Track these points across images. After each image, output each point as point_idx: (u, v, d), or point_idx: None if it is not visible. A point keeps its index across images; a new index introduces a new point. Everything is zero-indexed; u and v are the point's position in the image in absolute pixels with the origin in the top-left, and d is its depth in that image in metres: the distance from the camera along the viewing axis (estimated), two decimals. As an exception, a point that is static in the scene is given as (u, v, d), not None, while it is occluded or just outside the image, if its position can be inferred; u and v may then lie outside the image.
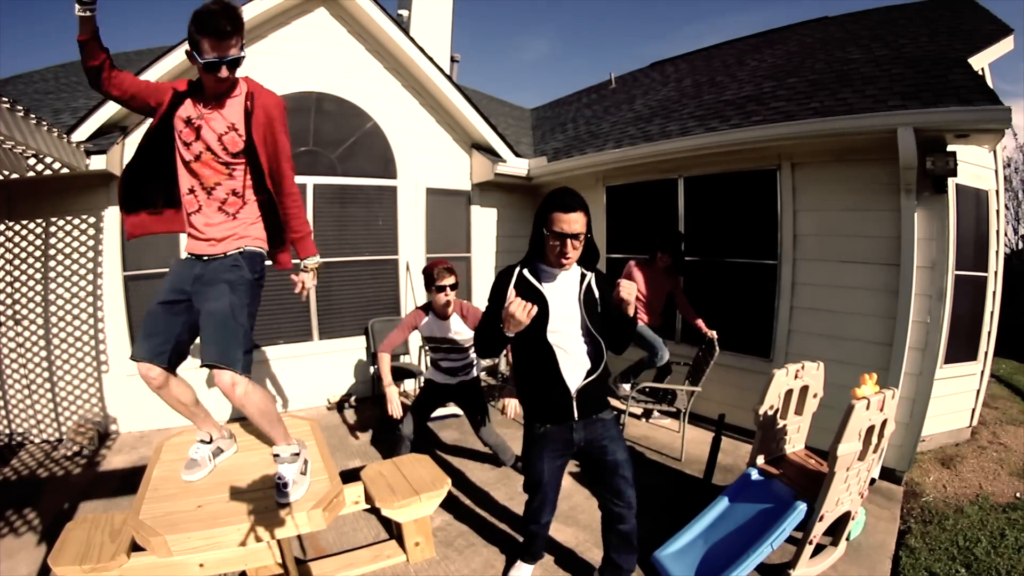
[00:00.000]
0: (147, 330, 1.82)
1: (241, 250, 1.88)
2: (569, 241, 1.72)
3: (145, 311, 1.86)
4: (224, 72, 1.64)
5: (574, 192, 1.75)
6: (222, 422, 2.26)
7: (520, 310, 1.63)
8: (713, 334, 3.70)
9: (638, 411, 4.33)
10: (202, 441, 2.04)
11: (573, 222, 1.70)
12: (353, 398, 4.83)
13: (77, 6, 1.40)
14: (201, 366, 1.68)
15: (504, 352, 4.87)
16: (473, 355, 3.10)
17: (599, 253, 1.90)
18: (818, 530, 2.21)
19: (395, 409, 2.82)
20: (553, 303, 1.80)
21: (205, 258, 1.84)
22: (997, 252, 4.07)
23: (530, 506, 2.09)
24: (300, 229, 2.05)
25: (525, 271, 1.84)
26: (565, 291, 1.84)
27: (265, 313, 4.47)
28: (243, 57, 1.66)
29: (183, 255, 1.90)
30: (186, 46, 1.64)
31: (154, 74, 3.80)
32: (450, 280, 2.89)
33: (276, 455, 1.84)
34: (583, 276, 1.86)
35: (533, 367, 1.86)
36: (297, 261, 2.11)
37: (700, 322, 3.84)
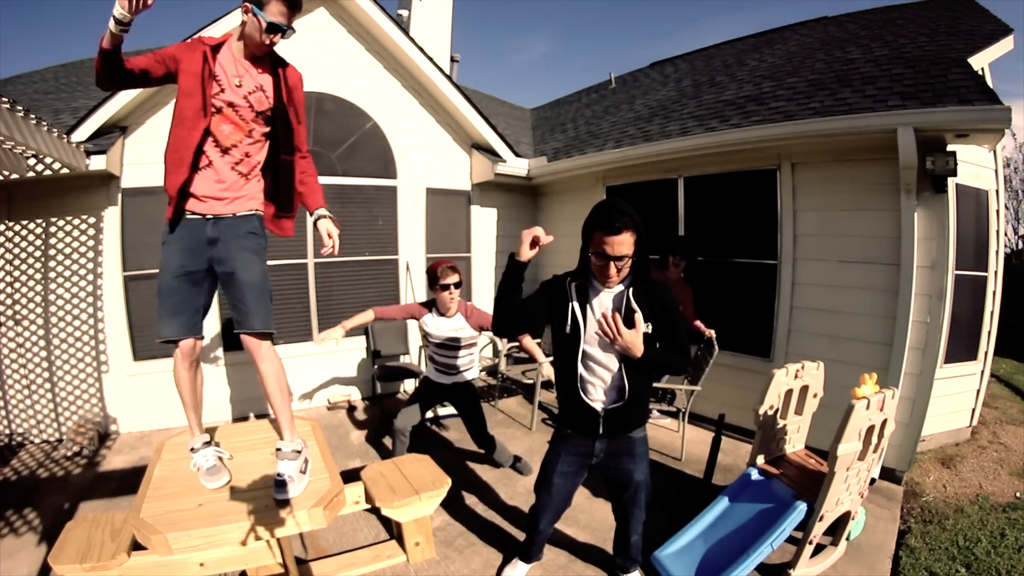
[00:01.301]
0: (171, 308, 1.82)
1: (254, 212, 1.93)
2: (612, 264, 1.65)
3: (160, 288, 1.82)
4: (278, 38, 1.71)
5: (621, 209, 1.64)
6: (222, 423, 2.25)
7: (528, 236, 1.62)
8: (711, 333, 3.69)
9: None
10: (204, 444, 2.01)
11: (618, 244, 1.62)
12: (353, 398, 4.83)
13: (114, 24, 1.41)
14: (239, 332, 1.80)
15: (505, 351, 4.87)
16: (472, 356, 3.10)
17: (650, 266, 1.79)
18: (818, 530, 2.21)
19: (329, 333, 2.81)
20: (591, 322, 1.74)
21: (209, 217, 1.81)
22: (997, 252, 4.07)
23: (533, 507, 2.05)
24: (318, 185, 2.18)
25: (572, 285, 1.78)
26: (606, 309, 1.76)
27: (265, 313, 4.48)
28: (294, 31, 1.75)
29: (182, 220, 1.80)
30: (247, 5, 1.64)
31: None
32: (454, 279, 2.91)
33: (278, 449, 1.85)
34: (623, 296, 1.74)
35: (566, 382, 1.82)
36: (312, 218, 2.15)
37: (699, 323, 3.84)
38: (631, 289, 1.74)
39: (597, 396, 1.78)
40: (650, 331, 1.71)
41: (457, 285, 2.93)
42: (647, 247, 1.72)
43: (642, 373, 1.77)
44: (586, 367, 1.77)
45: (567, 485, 1.93)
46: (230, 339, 4.36)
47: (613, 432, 1.81)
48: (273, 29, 1.66)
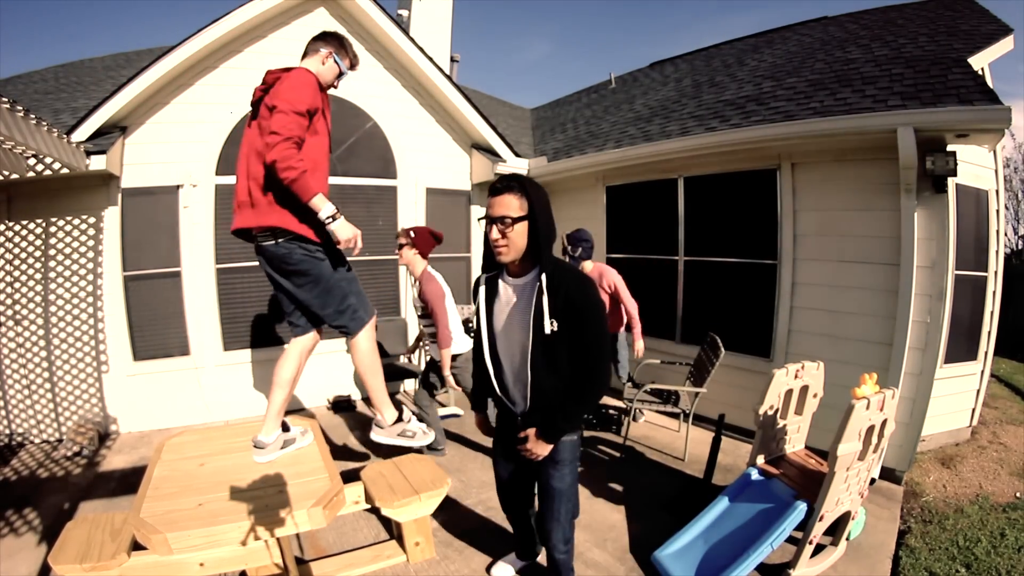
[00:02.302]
0: (361, 291, 2.11)
1: None
2: (494, 226, 1.49)
3: (352, 279, 2.08)
4: (339, 83, 2.17)
5: (512, 175, 1.56)
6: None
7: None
8: (639, 350, 3.78)
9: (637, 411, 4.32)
10: (284, 428, 2.16)
11: (499, 204, 1.49)
12: (354, 398, 4.83)
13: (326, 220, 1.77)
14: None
15: None
16: (433, 329, 3.14)
17: (546, 246, 1.52)
18: (818, 530, 2.21)
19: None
20: (498, 318, 1.64)
21: None
22: (997, 252, 4.07)
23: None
24: None
25: (482, 281, 1.71)
26: (516, 306, 1.60)
27: (265, 314, 4.49)
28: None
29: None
30: (330, 51, 2.06)
31: (155, 73, 3.81)
32: (400, 240, 3.12)
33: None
34: (535, 288, 1.53)
35: (486, 377, 1.72)
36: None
37: (632, 317, 3.81)
38: (547, 279, 1.51)
39: (514, 397, 1.68)
40: (556, 328, 1.50)
41: (400, 246, 3.11)
42: (546, 229, 1.52)
43: (554, 379, 1.56)
44: (496, 367, 1.67)
45: (507, 470, 1.86)
46: (230, 339, 4.36)
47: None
48: (341, 76, 2.11)
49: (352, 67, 2.14)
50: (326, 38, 2.09)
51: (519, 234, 1.50)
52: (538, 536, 1.89)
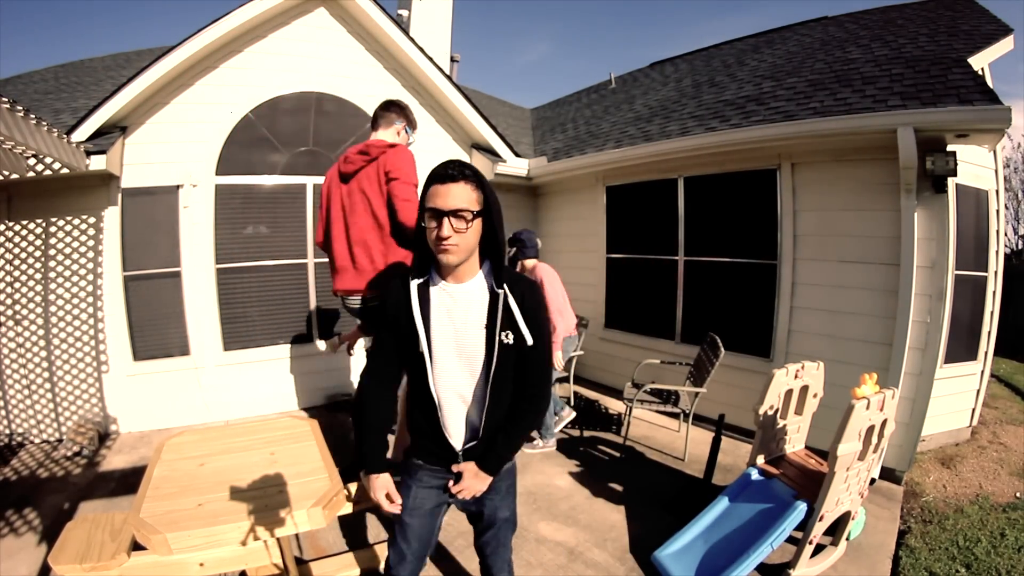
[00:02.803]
0: None
1: None
2: (447, 220, 1.21)
3: None
4: None
5: (460, 161, 1.27)
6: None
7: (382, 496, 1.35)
8: (557, 364, 3.47)
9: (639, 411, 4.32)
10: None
11: (450, 196, 1.21)
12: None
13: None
14: None
15: None
16: None
17: (503, 248, 1.35)
18: (818, 530, 2.21)
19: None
20: (439, 336, 1.31)
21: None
22: (997, 252, 4.07)
23: (387, 561, 1.49)
24: None
25: (413, 285, 1.31)
26: (464, 317, 1.31)
27: (265, 313, 4.49)
28: None
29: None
30: (404, 125, 2.42)
31: (155, 73, 3.81)
32: None
33: None
34: (495, 296, 1.30)
35: (420, 406, 1.38)
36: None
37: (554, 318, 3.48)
38: (509, 291, 1.31)
39: (454, 429, 1.37)
40: (511, 341, 1.31)
41: None
42: (502, 227, 1.33)
43: (502, 405, 1.36)
44: (440, 392, 1.34)
45: (423, 526, 1.43)
46: (230, 339, 4.36)
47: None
48: (410, 145, 2.45)
49: (414, 130, 2.52)
50: (394, 110, 2.40)
51: (473, 232, 1.25)
52: (482, 565, 1.62)
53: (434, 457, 1.40)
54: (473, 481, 1.36)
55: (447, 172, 1.23)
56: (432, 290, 1.32)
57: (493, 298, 1.30)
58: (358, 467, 1.29)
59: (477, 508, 1.49)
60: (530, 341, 1.31)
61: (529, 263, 3.59)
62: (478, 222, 1.26)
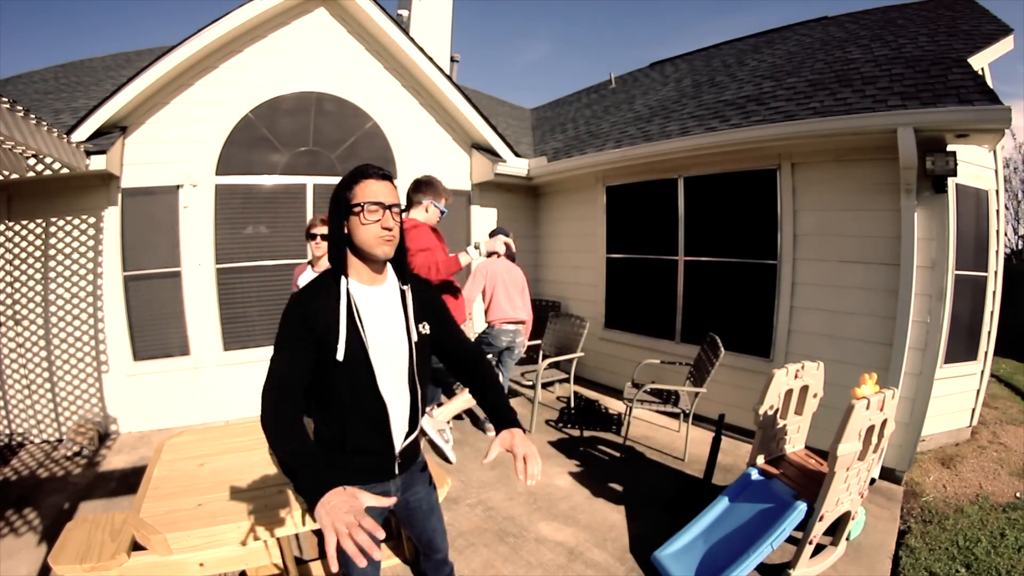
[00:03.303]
0: None
1: None
2: (389, 213, 1.23)
3: None
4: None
5: (376, 164, 1.32)
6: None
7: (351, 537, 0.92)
8: None
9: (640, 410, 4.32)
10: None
11: (386, 193, 1.26)
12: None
13: None
14: None
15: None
16: None
17: (404, 250, 1.38)
18: (818, 530, 2.21)
19: None
20: (376, 338, 1.27)
21: None
22: (997, 252, 4.07)
23: None
24: None
25: (335, 293, 1.26)
26: (387, 318, 1.31)
27: (265, 313, 4.49)
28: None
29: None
30: (430, 201, 2.79)
31: (155, 73, 3.81)
32: (322, 229, 2.80)
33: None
34: (402, 293, 1.35)
35: (351, 425, 1.28)
36: None
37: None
38: (410, 286, 1.37)
39: (397, 431, 1.34)
40: (428, 331, 1.37)
41: (324, 236, 2.78)
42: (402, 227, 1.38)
43: (426, 394, 1.41)
44: (386, 395, 1.30)
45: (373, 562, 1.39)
46: (230, 339, 4.36)
47: (405, 469, 1.41)
48: (443, 215, 2.87)
49: (448, 203, 2.85)
50: (422, 189, 2.78)
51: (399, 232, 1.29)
52: (431, 553, 1.58)
53: (369, 473, 1.34)
54: (524, 442, 1.27)
55: (380, 171, 1.29)
56: (357, 294, 1.29)
57: (403, 294, 1.36)
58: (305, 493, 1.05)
59: (415, 504, 1.49)
60: (443, 323, 1.44)
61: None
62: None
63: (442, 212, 2.82)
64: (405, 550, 2.38)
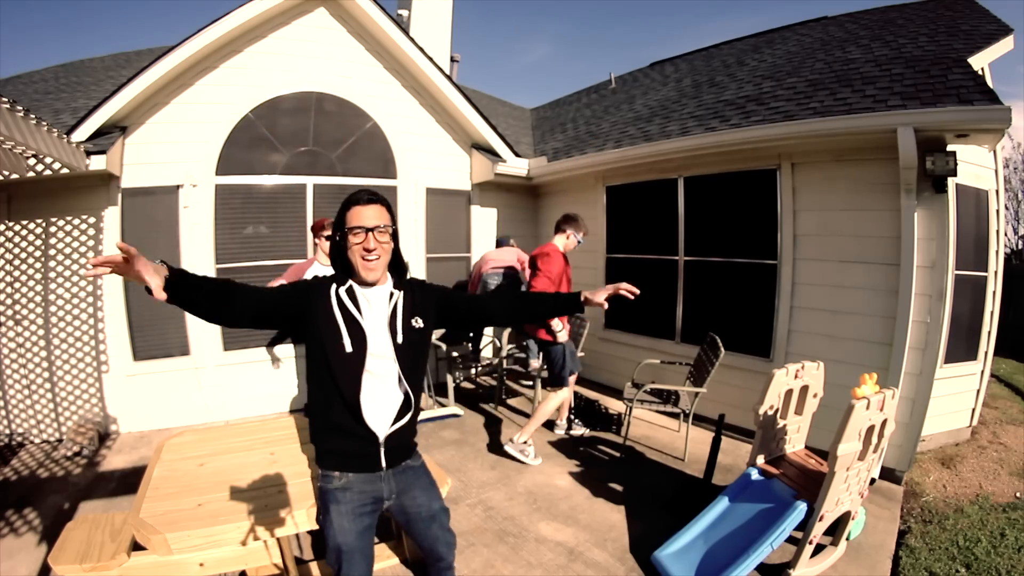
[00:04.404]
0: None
1: None
2: (371, 235, 1.40)
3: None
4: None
5: (365, 189, 1.51)
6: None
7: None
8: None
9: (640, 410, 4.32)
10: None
11: (371, 215, 1.42)
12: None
13: None
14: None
15: (505, 352, 4.87)
16: None
17: (406, 264, 1.57)
18: (818, 530, 2.21)
19: None
20: (371, 332, 1.43)
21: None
22: (997, 252, 4.07)
23: None
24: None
25: (340, 290, 1.45)
26: (379, 316, 1.47)
27: (265, 313, 4.48)
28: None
29: None
30: (571, 232, 3.61)
31: (155, 73, 3.81)
32: (329, 232, 2.94)
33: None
34: (391, 296, 1.51)
35: (335, 404, 1.42)
36: None
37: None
38: (403, 292, 1.52)
39: (376, 420, 1.44)
40: (422, 325, 1.51)
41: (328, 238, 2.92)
42: (398, 240, 1.52)
43: (417, 374, 1.53)
44: (369, 386, 1.43)
45: (364, 540, 1.45)
46: (230, 339, 4.36)
47: (395, 462, 1.50)
48: (580, 243, 3.66)
49: (585, 235, 3.66)
50: (568, 221, 3.59)
51: (389, 247, 1.46)
52: (436, 562, 1.62)
53: (355, 460, 1.45)
54: (606, 290, 1.62)
55: (359, 196, 1.45)
56: (356, 293, 1.47)
57: (391, 296, 1.51)
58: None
59: (413, 508, 1.54)
60: (445, 298, 1.62)
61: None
62: (390, 238, 1.47)
63: (579, 242, 3.61)
64: (405, 550, 2.38)
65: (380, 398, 1.45)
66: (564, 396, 3.64)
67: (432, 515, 1.56)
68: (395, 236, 1.49)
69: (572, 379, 3.65)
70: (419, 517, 1.54)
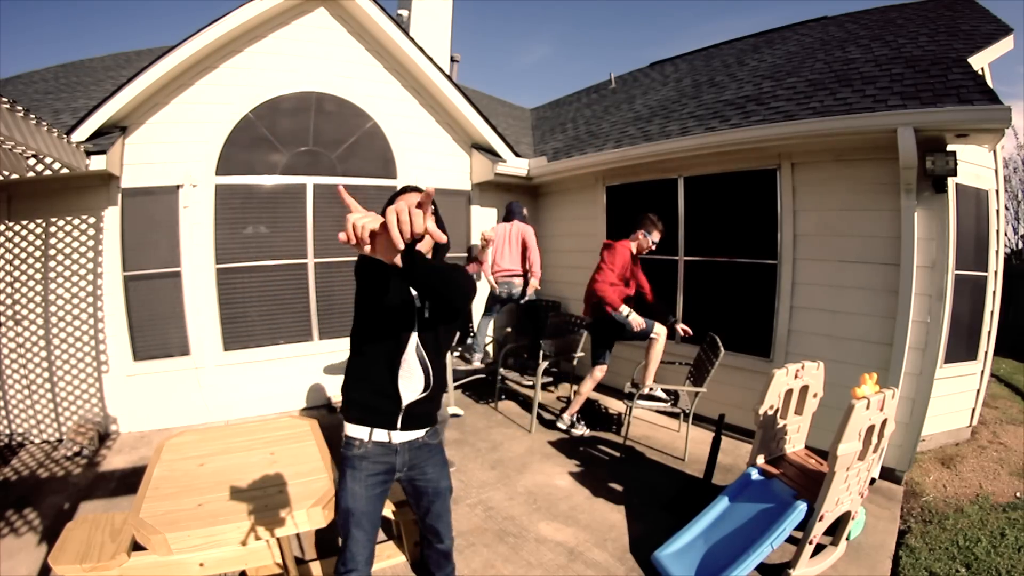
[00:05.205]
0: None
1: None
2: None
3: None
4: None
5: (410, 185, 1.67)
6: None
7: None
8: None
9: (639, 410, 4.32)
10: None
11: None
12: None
13: None
14: None
15: (505, 351, 4.87)
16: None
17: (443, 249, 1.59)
18: (818, 530, 2.21)
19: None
20: (419, 311, 1.56)
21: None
22: (997, 252, 4.07)
23: (342, 551, 1.59)
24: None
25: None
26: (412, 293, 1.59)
27: (265, 313, 4.49)
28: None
29: None
30: (644, 232, 3.86)
31: (155, 73, 3.81)
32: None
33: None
34: None
35: (374, 361, 1.56)
36: None
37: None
38: None
39: (405, 385, 1.58)
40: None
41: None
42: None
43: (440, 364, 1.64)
44: (409, 351, 1.56)
45: (372, 507, 1.58)
46: (230, 339, 4.36)
47: (409, 427, 1.61)
48: (655, 243, 3.86)
49: (661, 236, 3.86)
50: (643, 221, 3.85)
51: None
52: (433, 540, 1.72)
53: (376, 415, 1.57)
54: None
55: (416, 188, 1.61)
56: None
57: None
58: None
59: (418, 487, 1.66)
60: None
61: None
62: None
63: (653, 243, 3.83)
64: (406, 550, 2.39)
65: (414, 370, 1.58)
66: (659, 349, 3.74)
67: (438, 491, 1.67)
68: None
69: (601, 371, 3.85)
70: (426, 491, 1.65)
